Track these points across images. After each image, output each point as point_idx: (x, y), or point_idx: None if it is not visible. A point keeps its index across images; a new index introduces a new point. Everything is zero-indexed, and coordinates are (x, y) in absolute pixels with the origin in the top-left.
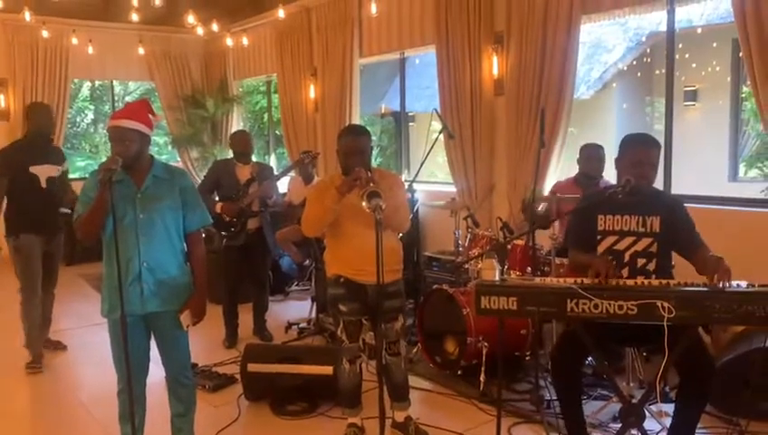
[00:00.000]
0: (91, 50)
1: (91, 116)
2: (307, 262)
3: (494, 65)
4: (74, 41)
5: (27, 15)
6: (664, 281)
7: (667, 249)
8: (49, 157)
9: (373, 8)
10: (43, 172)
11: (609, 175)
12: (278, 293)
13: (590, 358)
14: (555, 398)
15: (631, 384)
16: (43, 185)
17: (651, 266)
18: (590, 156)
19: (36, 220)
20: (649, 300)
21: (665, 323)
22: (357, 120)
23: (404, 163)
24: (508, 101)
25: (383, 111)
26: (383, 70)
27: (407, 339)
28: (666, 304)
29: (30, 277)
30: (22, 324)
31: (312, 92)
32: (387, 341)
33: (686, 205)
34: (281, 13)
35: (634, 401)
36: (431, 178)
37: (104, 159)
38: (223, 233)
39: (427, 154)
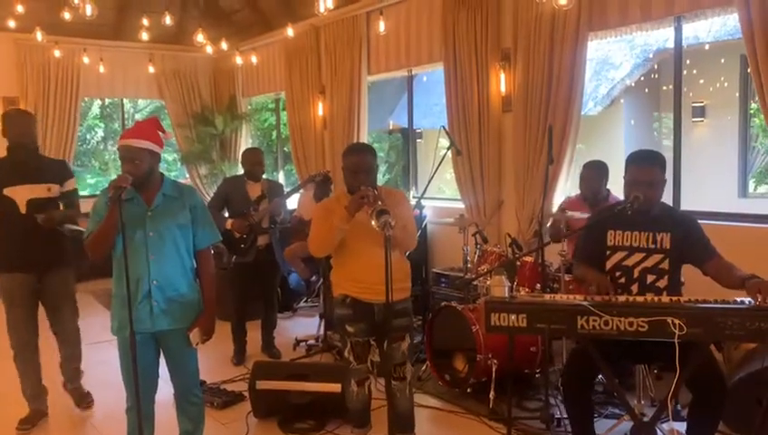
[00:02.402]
0: (101, 69)
1: (101, 134)
2: (314, 278)
3: (501, 82)
4: (85, 60)
5: (39, 35)
6: (675, 298)
7: (678, 266)
8: (34, 175)
9: (381, 26)
10: (22, 194)
11: (617, 190)
12: (286, 310)
13: (600, 375)
14: (566, 416)
15: (642, 402)
16: (23, 210)
17: (662, 283)
18: (582, 176)
19: (17, 255)
20: (660, 317)
21: (676, 341)
22: (365, 137)
23: (412, 180)
24: (516, 117)
25: (391, 128)
26: (391, 86)
27: (414, 359)
28: (677, 322)
29: (13, 328)
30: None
31: (320, 110)
32: (393, 363)
33: (699, 222)
34: (290, 31)
35: (645, 419)
36: (439, 194)
37: (114, 177)
38: (232, 250)
39: (435, 171)
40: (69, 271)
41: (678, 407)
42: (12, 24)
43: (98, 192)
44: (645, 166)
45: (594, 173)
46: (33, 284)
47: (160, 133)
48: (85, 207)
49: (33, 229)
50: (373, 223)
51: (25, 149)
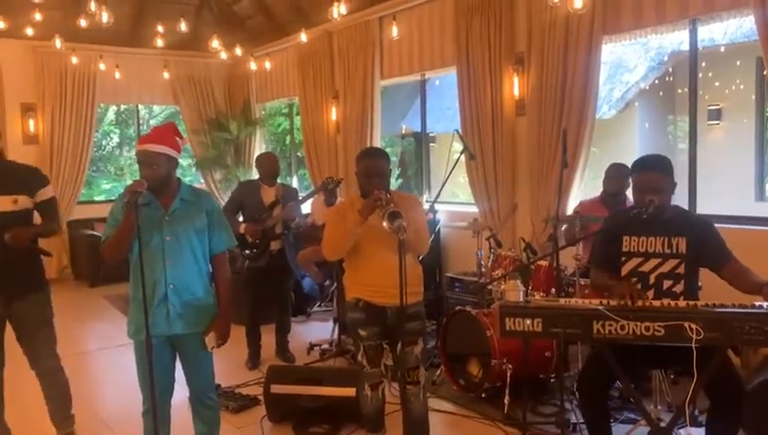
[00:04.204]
0: (117, 75)
1: (116, 139)
2: (327, 282)
3: (514, 86)
4: (102, 66)
5: (58, 43)
6: (691, 302)
7: (694, 270)
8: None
9: (394, 31)
10: None
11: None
12: (300, 314)
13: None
14: (581, 421)
15: (659, 407)
16: None
17: (678, 288)
18: (610, 174)
19: None
20: (677, 321)
21: (693, 345)
22: (378, 142)
23: (425, 184)
24: (529, 121)
25: (404, 132)
26: (404, 90)
27: (427, 364)
28: (694, 326)
29: None
30: None
31: (333, 114)
32: (406, 367)
33: (715, 226)
34: (303, 37)
35: (662, 424)
36: (452, 198)
37: (129, 182)
38: (246, 253)
39: (449, 175)
40: (44, 295)
41: (696, 412)
42: (30, 31)
43: (113, 197)
44: (645, 171)
45: (621, 172)
46: (1, 309)
47: (177, 139)
48: (102, 212)
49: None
50: (385, 224)
51: None
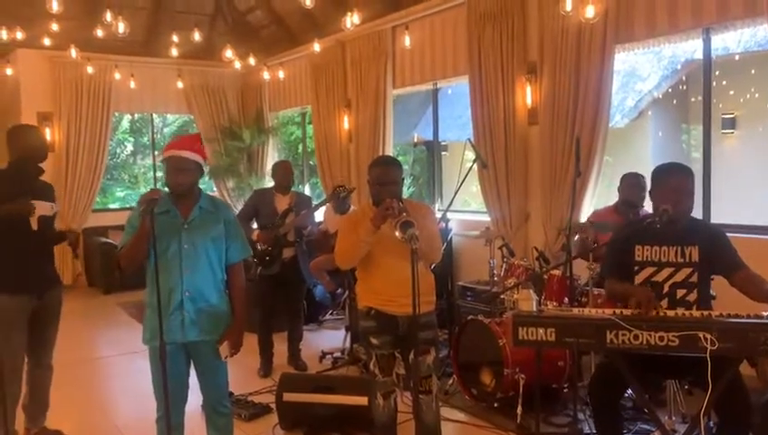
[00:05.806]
0: (132, 84)
1: (130, 148)
2: (339, 290)
3: (527, 95)
4: (117, 76)
5: (73, 53)
6: (706, 312)
7: (707, 278)
8: (41, 191)
9: (406, 40)
10: (36, 210)
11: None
12: (312, 322)
13: (629, 390)
14: (594, 431)
15: (674, 418)
16: (34, 226)
17: (692, 297)
18: (631, 183)
19: (22, 274)
20: (691, 331)
21: (707, 356)
22: (390, 150)
23: (437, 192)
24: (542, 130)
25: (416, 141)
26: (416, 99)
27: (439, 373)
28: (708, 336)
29: (11, 355)
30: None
31: (345, 123)
32: (418, 376)
33: (727, 234)
34: (316, 47)
35: None
36: (465, 207)
37: (144, 190)
38: (257, 261)
39: (461, 183)
40: (59, 289)
41: (711, 423)
42: (46, 41)
43: (127, 205)
44: (677, 175)
45: (640, 181)
46: (33, 305)
47: (203, 149)
48: (116, 219)
49: (40, 248)
50: (397, 234)
51: (34, 165)
